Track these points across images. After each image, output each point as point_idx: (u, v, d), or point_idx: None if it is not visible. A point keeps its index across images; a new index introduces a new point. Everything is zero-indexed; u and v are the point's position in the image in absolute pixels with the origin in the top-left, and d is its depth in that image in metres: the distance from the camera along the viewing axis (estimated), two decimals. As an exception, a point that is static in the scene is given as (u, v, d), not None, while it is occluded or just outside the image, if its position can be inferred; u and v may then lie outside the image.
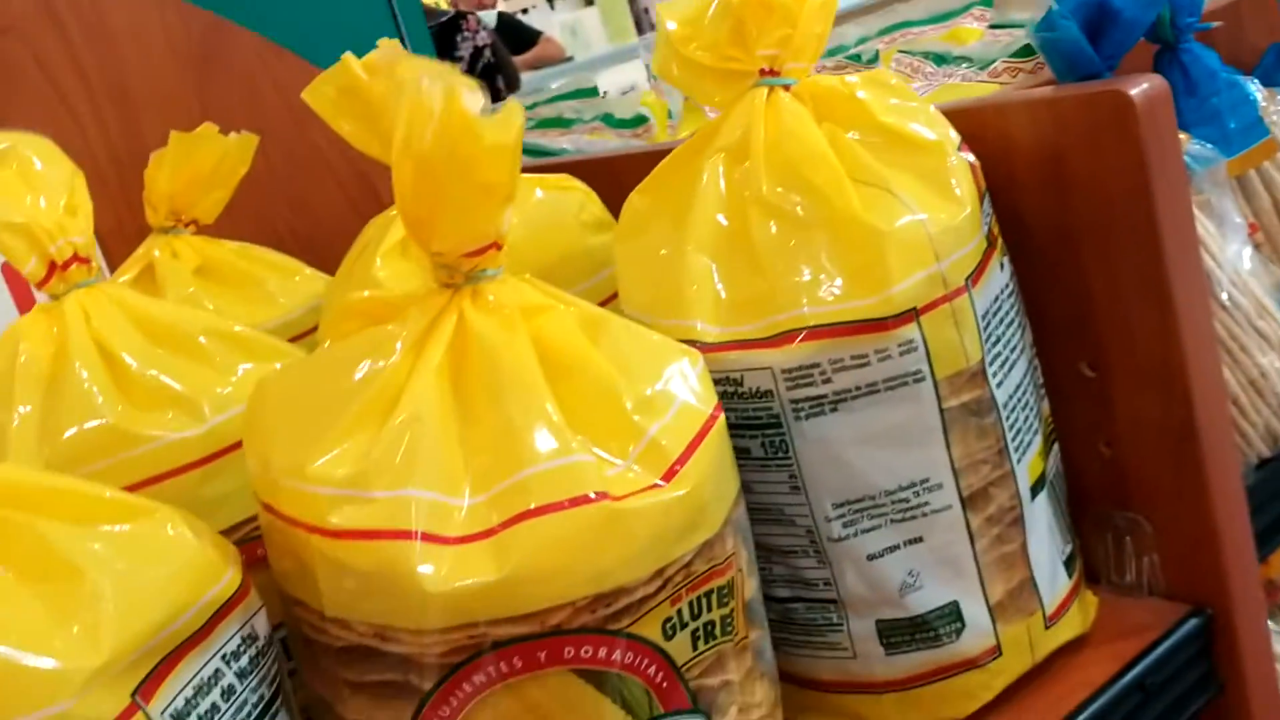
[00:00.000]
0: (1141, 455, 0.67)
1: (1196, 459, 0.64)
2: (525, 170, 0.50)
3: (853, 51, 1.03)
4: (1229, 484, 0.66)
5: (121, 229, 0.91)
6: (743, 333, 0.57)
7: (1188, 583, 0.68)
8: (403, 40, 1.12)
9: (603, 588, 0.44)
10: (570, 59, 4.14)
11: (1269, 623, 0.77)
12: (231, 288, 0.84)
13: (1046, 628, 0.63)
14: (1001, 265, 0.60)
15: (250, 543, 0.58)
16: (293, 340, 0.77)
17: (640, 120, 1.20)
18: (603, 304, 0.56)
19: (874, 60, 0.98)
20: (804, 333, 0.55)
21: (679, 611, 0.47)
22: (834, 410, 0.56)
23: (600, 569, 0.44)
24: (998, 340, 0.59)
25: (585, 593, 0.44)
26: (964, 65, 0.88)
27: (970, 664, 0.61)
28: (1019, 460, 0.61)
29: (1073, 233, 0.64)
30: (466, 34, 3.27)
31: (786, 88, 0.59)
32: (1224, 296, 0.67)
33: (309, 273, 0.88)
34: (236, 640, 0.43)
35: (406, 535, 0.44)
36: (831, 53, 1.04)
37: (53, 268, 0.63)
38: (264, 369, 0.62)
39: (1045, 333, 0.66)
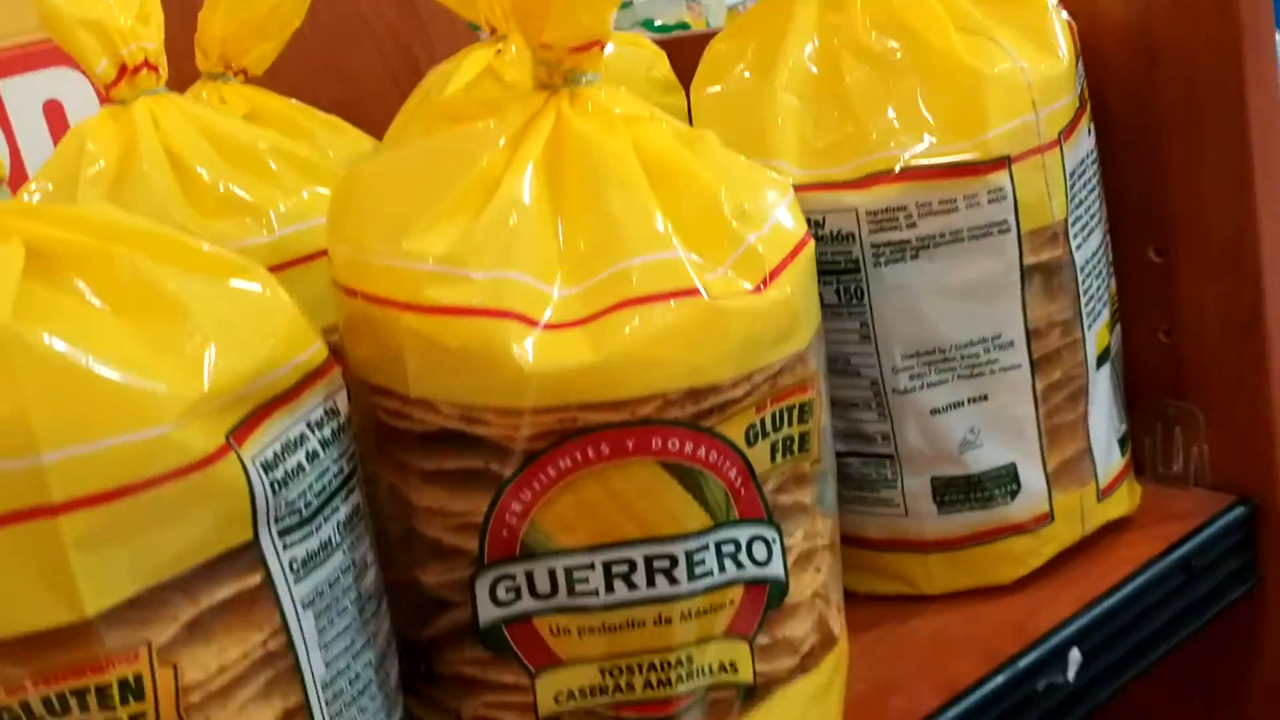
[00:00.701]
0: (1202, 344, 0.67)
1: (1260, 348, 0.65)
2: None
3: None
4: (1289, 375, 0.66)
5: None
6: (829, 174, 0.56)
7: (1235, 474, 0.68)
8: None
9: (696, 383, 0.44)
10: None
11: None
12: (280, 136, 0.84)
13: (1099, 500, 0.63)
14: (1089, 130, 0.60)
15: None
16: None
17: (683, 27, 1.19)
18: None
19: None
20: (894, 174, 0.55)
21: (762, 420, 0.46)
22: (915, 257, 0.56)
23: (695, 364, 0.44)
24: (1080, 203, 0.59)
25: (678, 385, 0.44)
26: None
27: (1021, 529, 0.61)
28: (1089, 327, 0.61)
29: (1155, 109, 0.64)
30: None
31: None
32: (1301, 186, 0.67)
33: (357, 133, 0.87)
34: (321, 411, 0.43)
35: (505, 314, 0.43)
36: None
37: (123, 71, 0.62)
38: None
39: (1114, 215, 0.66)
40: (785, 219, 0.49)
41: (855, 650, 0.55)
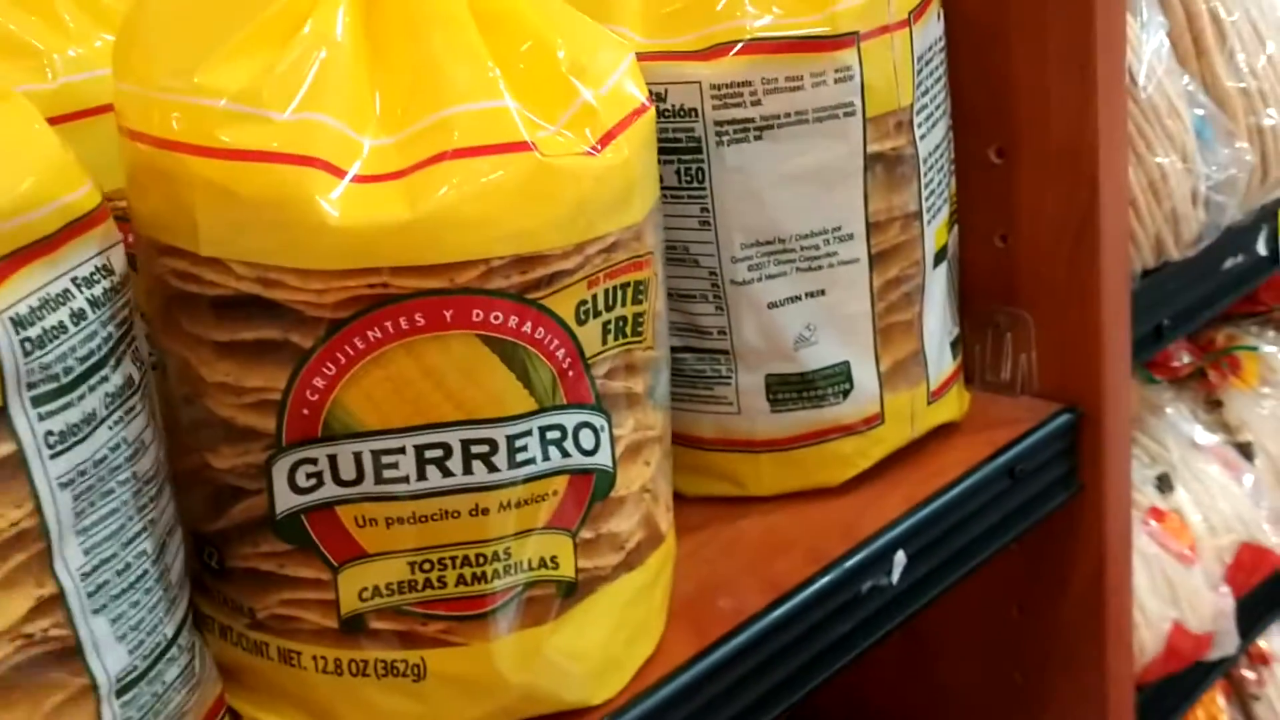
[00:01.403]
0: (1037, 248, 0.66)
1: (1093, 253, 0.64)
2: None
3: None
4: (1118, 285, 0.66)
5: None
6: (673, 44, 0.53)
7: (1062, 382, 0.68)
8: None
9: (522, 250, 0.40)
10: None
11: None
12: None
13: (929, 403, 0.62)
14: (939, 15, 0.58)
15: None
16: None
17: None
18: None
19: None
20: (740, 45, 0.52)
21: (594, 296, 0.43)
22: (759, 138, 0.53)
23: (522, 228, 0.40)
24: (926, 91, 0.57)
25: (502, 252, 0.40)
26: None
27: (851, 429, 0.60)
28: (929, 223, 0.59)
29: (1004, 3, 0.62)
30: None
31: None
32: (1140, 91, 0.66)
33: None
34: (90, 266, 0.37)
35: (308, 162, 0.38)
36: None
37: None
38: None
39: (958, 113, 0.64)
40: (625, 83, 0.45)
41: (682, 551, 0.53)
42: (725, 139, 0.53)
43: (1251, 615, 0.95)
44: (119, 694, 0.38)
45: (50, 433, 0.35)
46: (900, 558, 0.58)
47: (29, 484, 0.35)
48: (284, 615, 0.44)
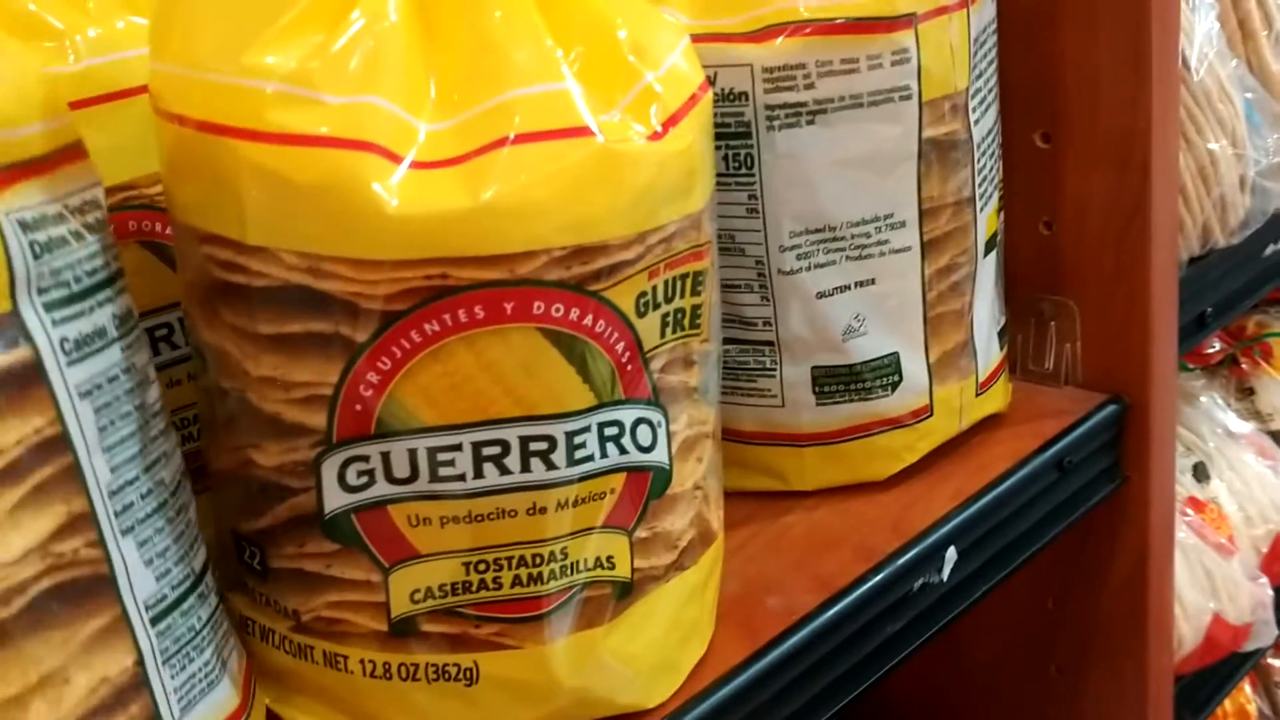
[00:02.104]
0: (1082, 236, 0.65)
1: (1142, 239, 0.63)
2: None
3: None
4: (1167, 273, 0.64)
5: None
6: (722, 26, 0.51)
7: (1107, 372, 0.66)
8: None
9: (583, 239, 0.38)
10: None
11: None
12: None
13: (977, 395, 0.61)
14: (992, -3, 0.56)
15: (123, 212, 0.50)
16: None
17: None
18: None
19: None
20: (793, 27, 0.50)
21: (654, 288, 0.41)
22: (811, 123, 0.51)
23: (584, 216, 0.38)
24: (980, 74, 0.55)
25: (564, 242, 0.38)
26: None
27: (899, 422, 0.58)
28: (981, 210, 0.57)
29: (1055, -15, 0.61)
30: None
31: None
32: (1191, 75, 0.65)
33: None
34: (80, 199, 0.37)
35: (364, 146, 0.37)
36: None
37: None
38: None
39: (1003, 96, 0.63)
40: (683, 65, 0.43)
41: (726, 548, 0.51)
42: (776, 124, 0.51)
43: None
44: (153, 622, 0.37)
45: (65, 339, 0.35)
46: (951, 554, 0.56)
47: (49, 391, 0.34)
48: (331, 618, 0.42)
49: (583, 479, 0.41)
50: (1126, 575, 0.70)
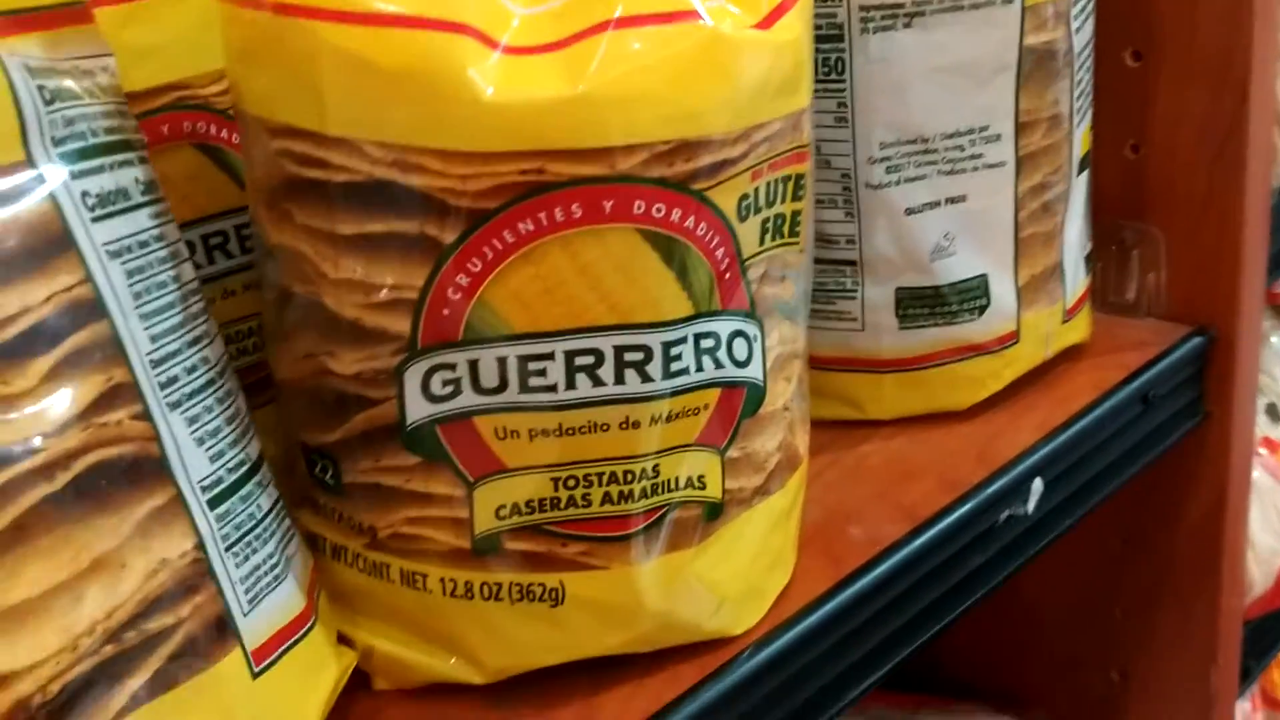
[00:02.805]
0: (1173, 159, 0.62)
1: (1237, 165, 0.60)
2: None
3: None
4: (1261, 200, 0.62)
5: None
6: (813, -81, 0.48)
7: (1191, 304, 0.64)
8: None
9: (688, 133, 0.36)
10: None
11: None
12: None
13: (1063, 322, 0.58)
14: (1097, -103, 0.53)
15: (175, 113, 0.48)
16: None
17: None
18: None
19: None
20: (893, -78, 0.47)
21: (756, 190, 0.39)
22: (908, 26, 0.49)
23: (690, 109, 0.36)
24: (1083, -19, 0.52)
25: (668, 135, 0.36)
26: None
27: (984, 349, 0.56)
28: (1076, 126, 0.55)
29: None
30: None
31: None
32: (1296, -11, 0.62)
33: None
34: (92, 64, 0.35)
35: (458, 29, 0.34)
36: None
37: None
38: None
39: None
40: (781, -46, 0.41)
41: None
42: (871, 26, 0.49)
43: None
44: (211, 505, 0.35)
45: (86, 193, 0.33)
46: (1038, 486, 0.54)
47: (75, 246, 0.32)
48: (409, 534, 0.40)
49: (677, 393, 0.39)
50: (1203, 514, 0.68)
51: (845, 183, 0.52)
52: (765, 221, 0.40)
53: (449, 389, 0.38)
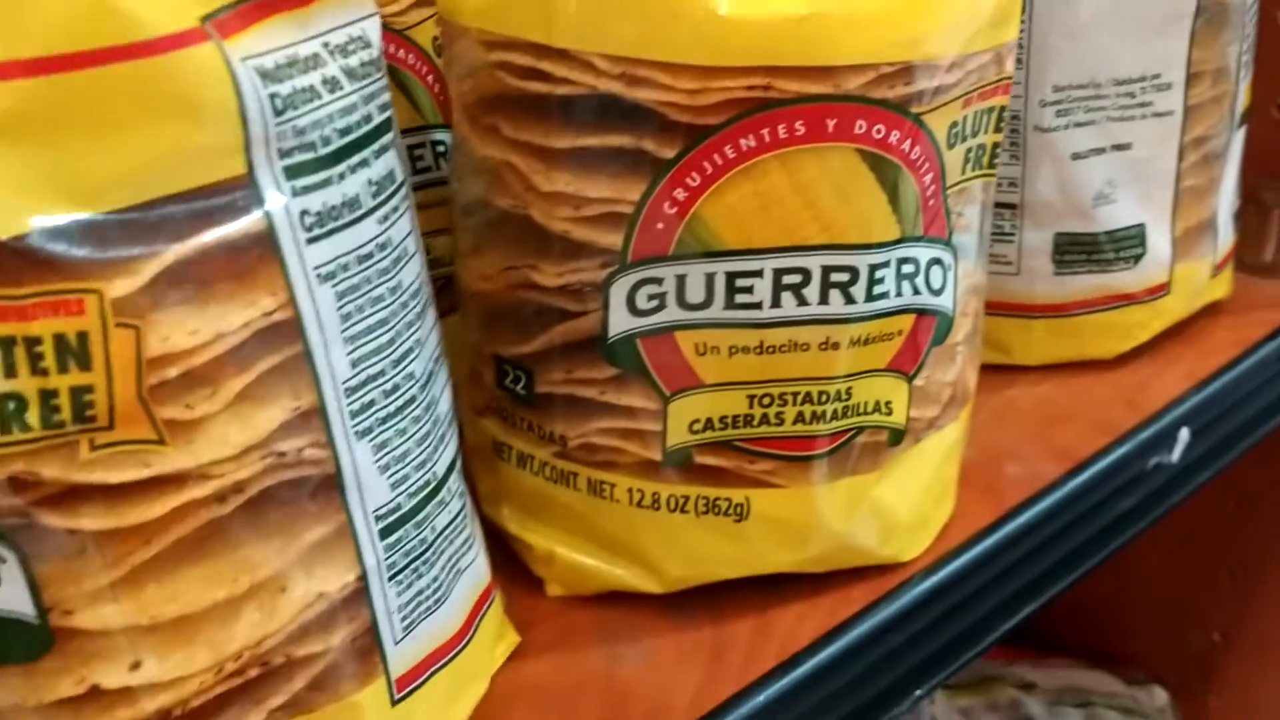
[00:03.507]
0: (1325, 114, 0.62)
1: (1393, 124, 0.59)
2: None
3: None
4: None
5: None
6: None
7: (1333, 265, 0.64)
8: None
9: (913, 56, 0.36)
10: None
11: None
12: None
13: (1212, 276, 0.58)
14: None
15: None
16: None
17: None
18: None
19: None
20: None
21: (964, 119, 0.39)
22: (1090, -32, 0.49)
23: (915, 32, 0.36)
24: (1264, -70, 0.52)
25: (893, 58, 0.36)
26: None
27: (1135, 298, 0.56)
28: (1242, 79, 0.54)
29: None
30: None
31: None
32: None
33: None
34: (344, 35, 0.32)
35: (697, -57, 0.35)
36: None
37: None
38: None
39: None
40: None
41: (957, 414, 0.50)
42: (1054, -32, 0.49)
43: None
44: (382, 535, 0.34)
45: (306, 211, 0.30)
46: (1184, 435, 0.54)
47: (282, 270, 0.30)
48: (599, 445, 0.41)
49: (876, 316, 0.39)
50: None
51: (1014, 125, 0.52)
52: (969, 150, 0.40)
53: (654, 303, 0.39)
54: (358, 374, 0.32)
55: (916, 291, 0.40)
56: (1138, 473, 0.53)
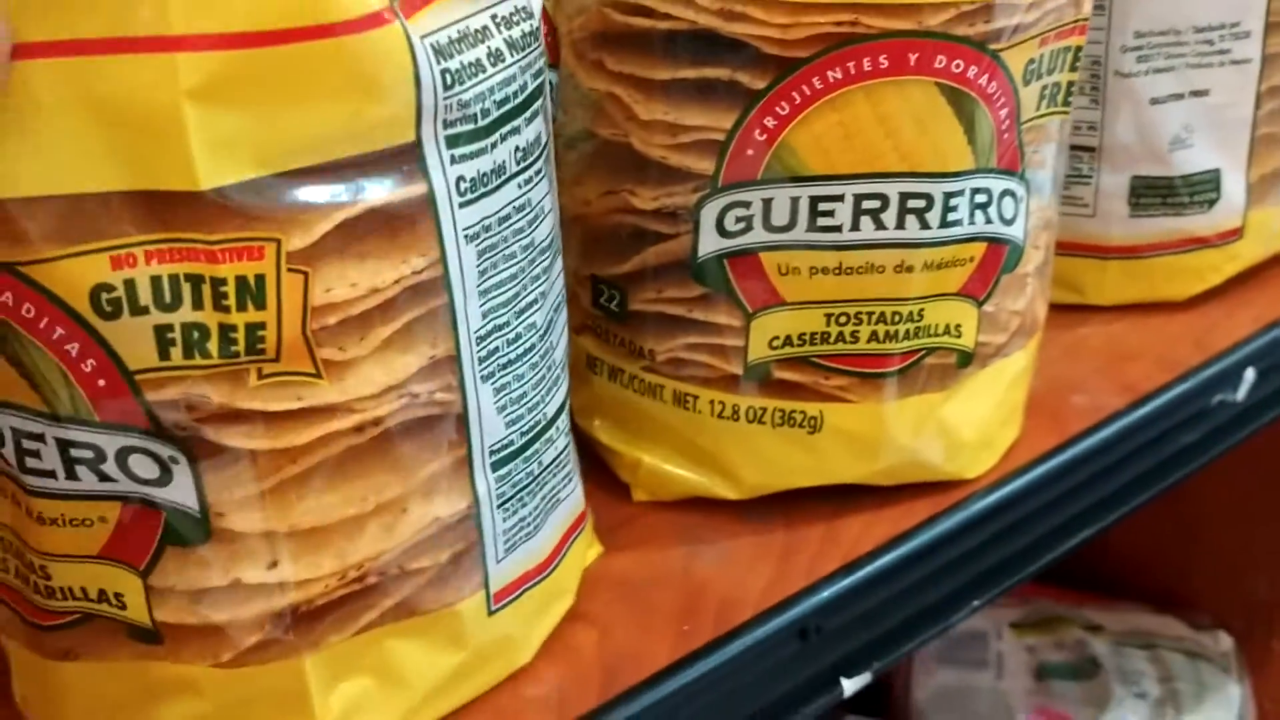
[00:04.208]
0: None
1: None
2: None
3: None
4: None
5: None
6: None
7: None
8: None
9: (992, -4, 0.39)
10: None
11: None
12: None
13: (1285, 226, 0.60)
14: None
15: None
16: None
17: None
18: None
19: None
20: None
21: (1041, 56, 0.42)
22: (1174, -85, 0.50)
23: (995, -30, 0.38)
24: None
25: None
26: None
27: (1207, 242, 0.58)
28: (1324, 29, 0.56)
29: None
30: None
31: None
32: None
33: None
34: (511, 5, 0.35)
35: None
36: None
37: None
38: None
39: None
40: None
41: (1028, 347, 0.52)
42: (1139, -87, 0.50)
43: None
44: (494, 467, 0.37)
45: (462, 179, 0.33)
46: (1250, 374, 0.56)
47: (436, 231, 0.33)
48: (685, 359, 0.45)
49: (949, 242, 0.42)
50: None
51: (1094, 69, 0.54)
52: (1044, 88, 0.43)
53: (741, 225, 0.42)
54: (486, 324, 0.35)
55: (989, 220, 0.43)
56: (1201, 408, 0.55)
